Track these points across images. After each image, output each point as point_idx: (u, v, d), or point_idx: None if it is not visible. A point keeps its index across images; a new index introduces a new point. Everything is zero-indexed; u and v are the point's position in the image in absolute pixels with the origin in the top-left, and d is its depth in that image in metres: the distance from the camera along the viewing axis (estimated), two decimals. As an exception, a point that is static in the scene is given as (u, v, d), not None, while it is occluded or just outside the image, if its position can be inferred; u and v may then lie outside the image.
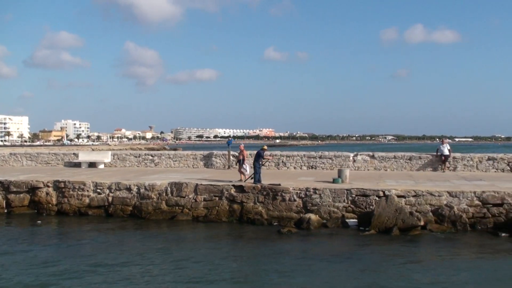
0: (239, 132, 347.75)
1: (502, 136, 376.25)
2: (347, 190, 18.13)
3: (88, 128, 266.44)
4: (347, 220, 17.44)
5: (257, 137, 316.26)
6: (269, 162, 24.93)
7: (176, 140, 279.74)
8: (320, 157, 26.25)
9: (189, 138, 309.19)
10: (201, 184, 19.41)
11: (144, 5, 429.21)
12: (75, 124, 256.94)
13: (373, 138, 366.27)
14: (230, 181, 19.76)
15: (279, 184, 18.97)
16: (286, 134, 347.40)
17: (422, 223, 16.32)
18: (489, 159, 24.47)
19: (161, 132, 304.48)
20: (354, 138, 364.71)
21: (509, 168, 24.19)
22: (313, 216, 17.39)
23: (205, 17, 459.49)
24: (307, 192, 18.38)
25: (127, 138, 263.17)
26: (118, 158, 28.76)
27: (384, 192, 17.59)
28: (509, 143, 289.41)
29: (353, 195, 17.97)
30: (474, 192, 17.19)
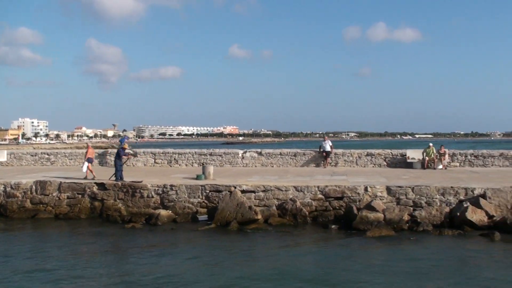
0: (203, 130, 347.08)
1: (461, 133, 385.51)
2: (201, 186, 18.60)
3: (46, 126, 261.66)
4: (197, 216, 17.90)
5: (221, 135, 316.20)
6: (129, 159, 25.39)
7: (138, 138, 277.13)
8: (210, 155, 26.73)
9: (152, 136, 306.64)
10: (64, 182, 19.62)
11: (106, 0, 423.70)
12: (32, 122, 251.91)
13: (336, 135, 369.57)
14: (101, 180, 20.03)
15: (141, 181, 19.33)
16: (250, 132, 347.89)
17: (259, 217, 16.93)
18: (367, 154, 25.37)
19: (124, 130, 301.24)
20: (317, 135, 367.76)
21: (385, 163, 25.12)
22: (163, 212, 17.83)
23: (168, 14, 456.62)
24: (164, 189, 18.78)
25: (87, 136, 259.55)
26: (15, 157, 28.65)
27: (235, 188, 18.12)
28: (467, 139, 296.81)
29: (207, 191, 18.44)
30: (318, 187, 17.88)
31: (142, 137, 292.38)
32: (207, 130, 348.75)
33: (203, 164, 21.98)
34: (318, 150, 25.80)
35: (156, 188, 18.86)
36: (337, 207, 17.52)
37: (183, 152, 27.16)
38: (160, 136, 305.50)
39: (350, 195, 17.55)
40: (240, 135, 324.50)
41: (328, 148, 25.30)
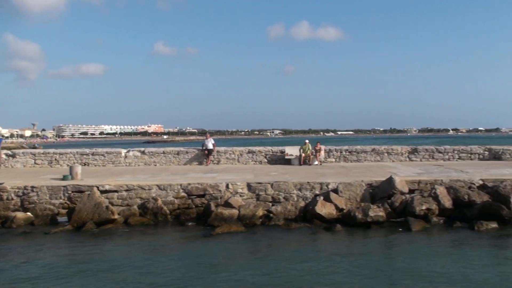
0: (127, 129, 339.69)
1: (381, 129, 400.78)
2: (63, 187, 18.14)
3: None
4: (57, 217, 17.44)
5: (145, 133, 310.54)
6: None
7: (58, 137, 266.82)
8: (93, 154, 26.16)
9: (73, 135, 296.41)
10: None
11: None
12: None
13: (261, 133, 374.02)
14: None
15: (2, 183, 18.57)
16: (176, 130, 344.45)
17: (116, 216, 16.75)
18: (249, 152, 25.78)
19: (42, 130, 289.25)
20: (242, 133, 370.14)
21: (266, 160, 25.62)
22: (20, 214, 17.22)
23: (89, 9, 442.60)
24: (25, 191, 18.15)
25: (2, 136, 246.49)
26: None
27: (98, 188, 17.81)
28: (385, 135, 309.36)
29: (69, 192, 18.01)
30: (181, 185, 17.93)
31: (63, 136, 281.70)
32: (131, 128, 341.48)
33: (70, 166, 21.37)
34: (201, 148, 25.89)
35: (17, 190, 18.19)
36: (199, 205, 17.66)
37: (64, 152, 26.40)
38: (82, 136, 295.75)
39: (212, 192, 17.74)
40: (164, 133, 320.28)
41: (210, 146, 25.47)
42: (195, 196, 17.78)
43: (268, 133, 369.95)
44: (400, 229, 15.24)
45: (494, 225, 15.16)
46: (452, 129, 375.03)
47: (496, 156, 25.53)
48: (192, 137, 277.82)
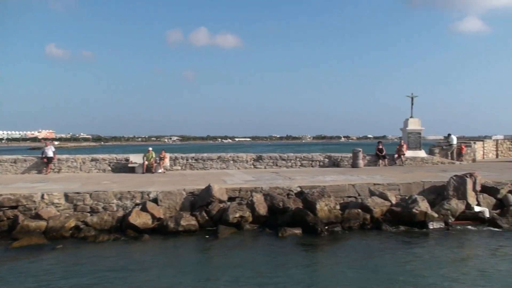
0: (15, 134, 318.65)
1: (277, 136, 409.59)
2: None
3: None
4: None
5: (34, 139, 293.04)
6: None
7: None
8: None
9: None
10: None
11: None
12: None
13: (158, 139, 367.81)
14: None
15: None
16: (68, 136, 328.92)
17: None
18: (92, 160, 24.84)
19: None
20: (139, 139, 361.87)
21: (110, 168, 24.83)
22: None
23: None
24: None
25: None
26: None
27: None
28: (280, 142, 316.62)
29: None
30: (-9, 196, 16.71)
31: None
32: (20, 134, 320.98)
33: None
34: (41, 156, 24.54)
35: None
36: (11, 217, 16.56)
37: None
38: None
39: (25, 203, 16.73)
40: (56, 139, 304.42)
41: (50, 154, 24.22)
42: (7, 208, 16.65)
43: (166, 140, 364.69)
44: (207, 237, 15.29)
45: (297, 231, 15.66)
46: (344, 136, 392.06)
47: (335, 163, 26.73)
48: (84, 143, 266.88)
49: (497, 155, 35.08)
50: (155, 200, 17.06)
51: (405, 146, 27.61)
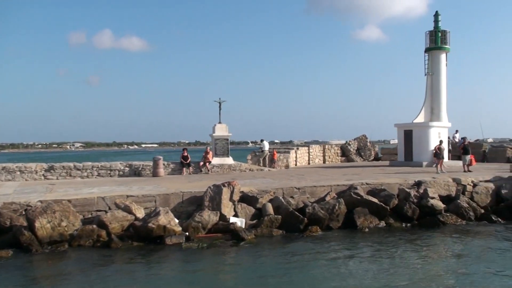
0: None
1: (186, 142, 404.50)
2: None
3: None
4: None
5: None
6: None
7: None
8: None
9: None
10: None
11: None
12: None
13: (60, 146, 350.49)
14: None
15: None
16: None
17: None
18: None
19: None
20: (39, 146, 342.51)
21: None
22: None
23: None
24: None
25: None
26: None
27: None
28: (196, 148, 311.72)
29: None
30: None
31: None
32: None
33: None
34: None
35: None
36: None
37: None
38: None
39: None
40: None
41: None
42: None
43: (68, 146, 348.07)
44: None
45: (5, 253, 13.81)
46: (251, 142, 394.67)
47: (136, 172, 25.09)
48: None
49: (324, 161, 35.21)
50: None
51: (210, 153, 26.55)
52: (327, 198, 18.70)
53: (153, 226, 15.40)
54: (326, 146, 35.82)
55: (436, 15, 30.13)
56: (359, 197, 18.57)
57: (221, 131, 27.03)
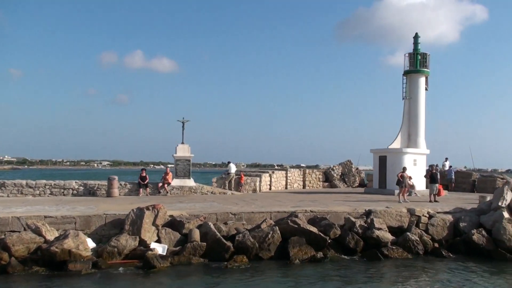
0: None
1: (212, 163, 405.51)
2: None
3: None
4: None
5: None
6: None
7: None
8: None
9: None
10: None
11: None
12: None
13: (88, 164, 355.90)
14: None
15: None
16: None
17: None
18: None
19: None
20: (68, 163, 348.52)
21: None
22: None
23: None
24: None
25: None
26: None
27: None
28: (214, 169, 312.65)
29: None
30: None
31: None
32: None
33: None
34: None
35: None
36: None
37: None
38: None
39: None
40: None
41: None
42: None
43: (95, 164, 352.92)
44: None
45: None
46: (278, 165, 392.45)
47: (91, 192, 24.27)
48: (7, 167, 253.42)
49: (304, 186, 33.74)
50: None
51: (170, 174, 25.55)
52: (263, 226, 17.42)
53: (57, 250, 14.41)
54: (307, 171, 34.38)
55: (416, 37, 28.75)
56: (296, 226, 17.23)
57: (183, 151, 26.04)
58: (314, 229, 17.29)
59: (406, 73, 28.64)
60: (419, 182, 26.52)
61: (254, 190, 27.66)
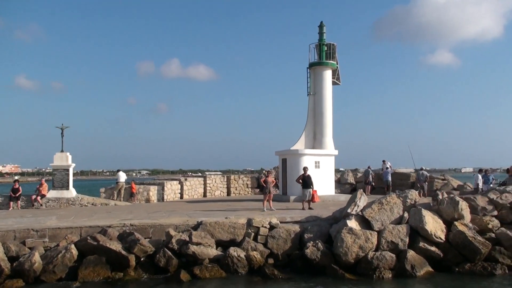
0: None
1: (251, 169, 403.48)
2: None
3: None
4: None
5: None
6: None
7: None
8: None
9: None
10: None
11: None
12: None
13: (127, 173, 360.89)
14: None
15: None
16: (34, 170, 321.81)
17: None
18: None
19: None
20: (107, 173, 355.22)
21: None
22: None
23: None
24: None
25: None
26: None
27: None
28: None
29: None
30: None
31: None
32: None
33: None
34: None
35: None
36: None
37: None
38: None
39: None
40: (22, 174, 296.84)
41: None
42: None
43: (134, 174, 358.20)
44: None
45: None
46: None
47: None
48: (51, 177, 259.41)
49: (228, 193, 31.09)
50: None
51: (44, 186, 23.73)
52: (61, 244, 15.32)
53: None
54: (232, 177, 31.74)
55: (321, 26, 25.69)
56: (95, 243, 15.02)
57: (61, 160, 24.12)
58: (116, 247, 15.01)
59: (310, 66, 25.68)
60: (323, 187, 23.58)
61: (148, 200, 25.43)
